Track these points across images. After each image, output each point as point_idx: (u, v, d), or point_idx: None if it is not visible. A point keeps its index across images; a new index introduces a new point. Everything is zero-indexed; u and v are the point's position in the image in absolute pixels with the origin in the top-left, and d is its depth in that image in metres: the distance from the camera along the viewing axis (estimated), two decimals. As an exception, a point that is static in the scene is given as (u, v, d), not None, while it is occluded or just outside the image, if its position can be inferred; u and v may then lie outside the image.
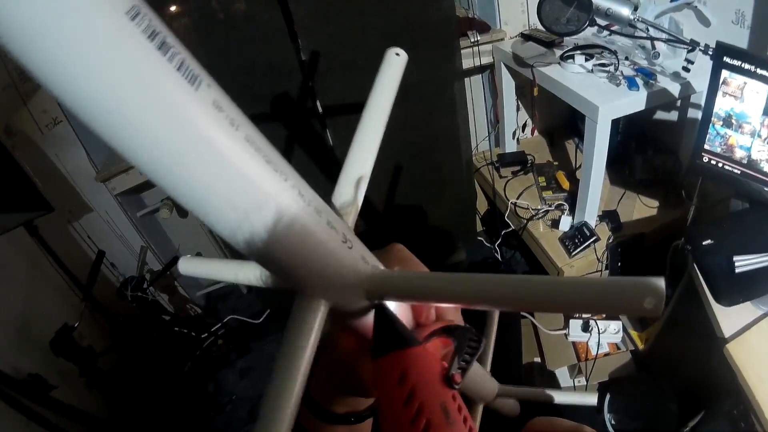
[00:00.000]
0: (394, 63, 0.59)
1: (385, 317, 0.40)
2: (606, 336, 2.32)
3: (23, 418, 2.11)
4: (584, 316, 2.38)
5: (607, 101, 2.06)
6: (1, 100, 2.45)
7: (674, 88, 2.07)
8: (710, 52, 1.76)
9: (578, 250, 2.45)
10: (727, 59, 1.65)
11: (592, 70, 2.24)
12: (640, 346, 2.30)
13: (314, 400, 0.53)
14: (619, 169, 2.70)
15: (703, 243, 1.87)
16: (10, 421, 2.08)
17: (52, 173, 2.71)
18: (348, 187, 0.49)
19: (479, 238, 3.43)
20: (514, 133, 3.06)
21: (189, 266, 0.57)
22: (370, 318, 0.42)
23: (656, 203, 2.55)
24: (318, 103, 2.32)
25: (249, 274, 0.51)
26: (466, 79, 2.94)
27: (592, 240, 2.42)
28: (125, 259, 3.19)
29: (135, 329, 2.88)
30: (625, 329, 2.32)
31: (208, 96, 0.24)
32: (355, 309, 0.41)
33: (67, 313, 2.55)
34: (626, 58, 2.26)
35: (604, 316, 2.35)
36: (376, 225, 2.97)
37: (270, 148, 0.28)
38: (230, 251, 3.20)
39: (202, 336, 3.20)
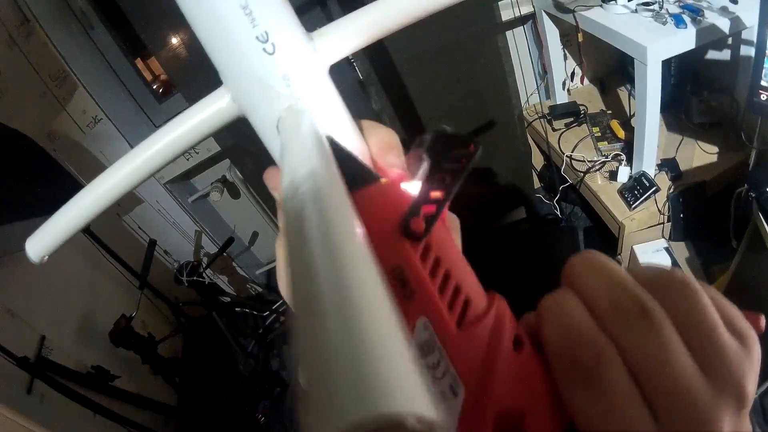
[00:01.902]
0: None
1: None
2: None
3: (89, 412, 2.17)
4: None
5: (655, 41, 1.94)
6: (40, 108, 2.49)
7: (723, 24, 1.91)
8: (758, -19, 1.63)
9: (638, 202, 2.33)
10: (776, -13, 1.52)
11: (636, 10, 2.10)
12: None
13: None
14: (675, 113, 2.54)
15: (768, 188, 1.76)
16: (73, 413, 2.14)
17: (99, 170, 2.68)
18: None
19: (537, 195, 3.34)
20: (563, 84, 2.93)
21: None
22: None
23: (716, 148, 2.39)
24: (357, 69, 2.27)
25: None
26: (509, 32, 2.83)
27: (652, 191, 2.29)
28: (181, 245, 3.24)
29: (195, 314, 2.92)
30: (690, 284, 2.21)
31: None
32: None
33: (126, 304, 2.61)
34: (670, -5, 2.11)
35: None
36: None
37: None
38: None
39: (265, 314, 3.23)
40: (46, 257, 0.43)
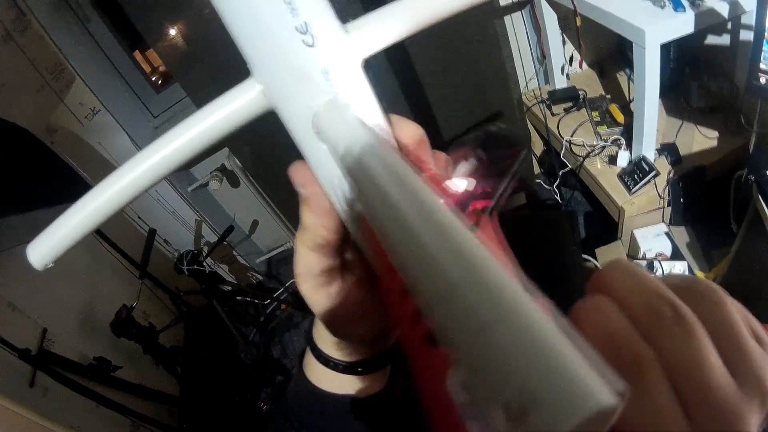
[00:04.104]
0: None
1: None
2: (671, 276, 2.22)
3: (92, 403, 2.18)
4: (648, 257, 2.28)
5: (653, 24, 1.93)
6: (38, 102, 2.49)
7: (722, 8, 1.91)
8: (756, -36, 1.63)
9: (638, 186, 2.33)
10: (774, -30, 1.52)
11: (633, -6, 2.10)
12: (707, 287, 2.19)
13: (321, 349, 0.49)
14: (674, 98, 2.53)
15: (768, 172, 1.76)
16: (76, 405, 2.15)
17: (98, 161, 2.76)
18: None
19: (537, 180, 3.33)
20: (562, 68, 2.91)
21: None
22: None
23: (716, 133, 2.38)
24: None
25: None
26: (507, 17, 2.81)
27: (651, 175, 2.29)
28: (181, 234, 3.25)
29: (196, 303, 2.93)
30: (690, 269, 2.21)
31: None
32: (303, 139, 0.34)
33: (126, 294, 2.61)
34: (668, -22, 2.10)
35: (668, 256, 2.26)
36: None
37: None
38: (284, 214, 3.21)
39: (265, 302, 3.23)
40: (51, 264, 0.40)
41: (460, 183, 0.31)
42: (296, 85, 0.31)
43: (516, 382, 0.17)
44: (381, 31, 0.34)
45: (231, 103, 0.33)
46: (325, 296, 0.41)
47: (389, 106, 0.38)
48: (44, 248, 0.39)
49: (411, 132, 0.35)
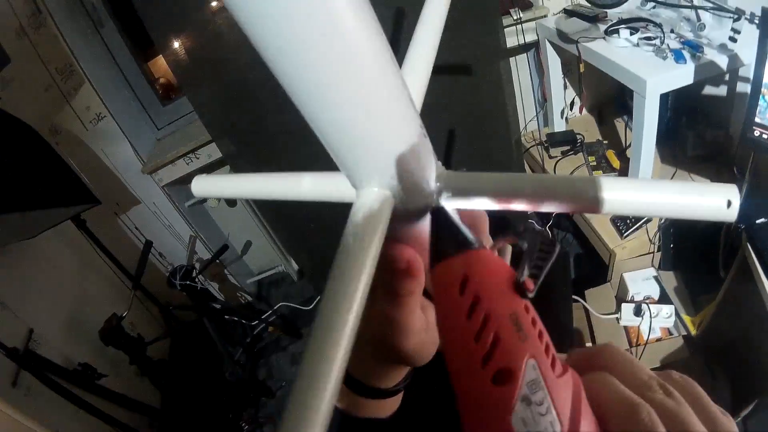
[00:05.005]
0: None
1: (444, 219, 0.36)
2: (658, 320, 2.23)
3: (73, 407, 2.17)
4: (636, 299, 2.30)
5: (655, 75, 1.99)
6: (45, 101, 2.52)
7: (722, 60, 1.96)
8: (756, 21, 1.67)
9: (630, 231, 2.37)
10: (774, 26, 1.56)
11: (637, 44, 2.15)
12: (693, 332, 2.20)
13: (359, 380, 0.52)
14: (669, 146, 2.59)
15: (757, 221, 1.79)
16: (57, 408, 2.14)
17: (99, 167, 2.78)
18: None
19: (530, 220, 3.36)
20: (562, 112, 2.97)
21: (203, 186, 0.53)
22: (421, 231, 0.39)
23: (708, 181, 2.40)
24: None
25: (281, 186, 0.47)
26: (512, 59, 2.86)
27: (643, 220, 2.34)
28: (174, 249, 3.25)
29: (185, 318, 2.93)
30: (677, 313, 2.24)
31: None
32: (414, 212, 0.37)
33: (117, 304, 2.61)
34: (671, 31, 2.15)
35: (656, 300, 2.28)
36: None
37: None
38: (279, 237, 3.22)
39: (253, 323, 3.23)
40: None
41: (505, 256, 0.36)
42: (421, 172, 0.35)
43: None
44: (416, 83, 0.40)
45: (379, 222, 0.34)
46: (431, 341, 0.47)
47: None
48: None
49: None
